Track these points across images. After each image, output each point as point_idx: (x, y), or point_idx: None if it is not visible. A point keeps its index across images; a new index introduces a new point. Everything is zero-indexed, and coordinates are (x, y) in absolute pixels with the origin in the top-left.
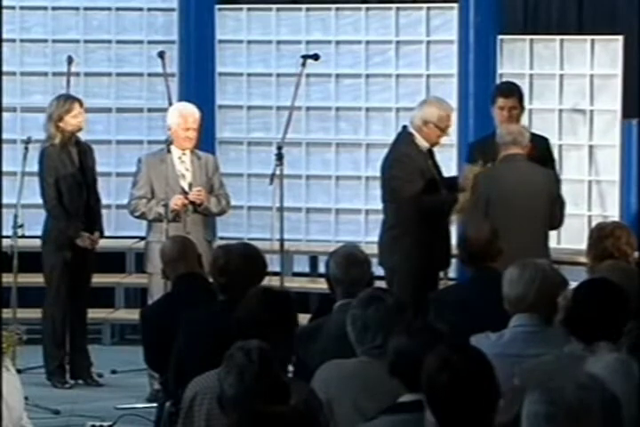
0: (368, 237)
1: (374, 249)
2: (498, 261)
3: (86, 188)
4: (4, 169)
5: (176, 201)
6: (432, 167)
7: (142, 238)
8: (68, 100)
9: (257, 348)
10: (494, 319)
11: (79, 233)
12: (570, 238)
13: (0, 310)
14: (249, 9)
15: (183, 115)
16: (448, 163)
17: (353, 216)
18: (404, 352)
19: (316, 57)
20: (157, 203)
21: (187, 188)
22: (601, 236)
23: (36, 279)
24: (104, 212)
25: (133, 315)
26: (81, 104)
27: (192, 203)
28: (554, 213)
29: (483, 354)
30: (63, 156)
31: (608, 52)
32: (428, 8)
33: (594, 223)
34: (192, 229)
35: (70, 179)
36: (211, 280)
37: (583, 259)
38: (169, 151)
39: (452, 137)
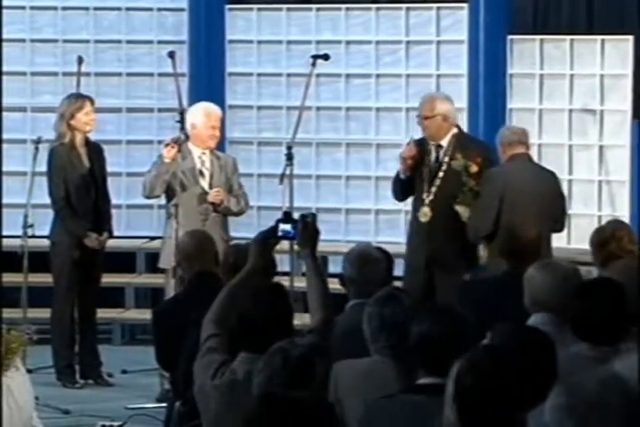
0: (378, 238)
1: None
2: (530, 265)
3: (95, 188)
4: (15, 169)
5: (166, 153)
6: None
7: (152, 238)
8: (79, 98)
9: (297, 357)
10: (515, 316)
11: (86, 233)
12: (579, 238)
13: (0, 310)
14: (259, 9)
15: (208, 113)
16: None
17: (363, 216)
18: (426, 336)
19: (326, 57)
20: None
21: (207, 187)
22: (602, 241)
23: (47, 279)
24: (114, 212)
25: (143, 315)
26: (92, 102)
27: (212, 203)
28: (555, 216)
29: (516, 356)
30: (72, 156)
31: (618, 51)
32: (438, 8)
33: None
34: (210, 228)
35: (78, 179)
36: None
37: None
38: (179, 151)
39: None
